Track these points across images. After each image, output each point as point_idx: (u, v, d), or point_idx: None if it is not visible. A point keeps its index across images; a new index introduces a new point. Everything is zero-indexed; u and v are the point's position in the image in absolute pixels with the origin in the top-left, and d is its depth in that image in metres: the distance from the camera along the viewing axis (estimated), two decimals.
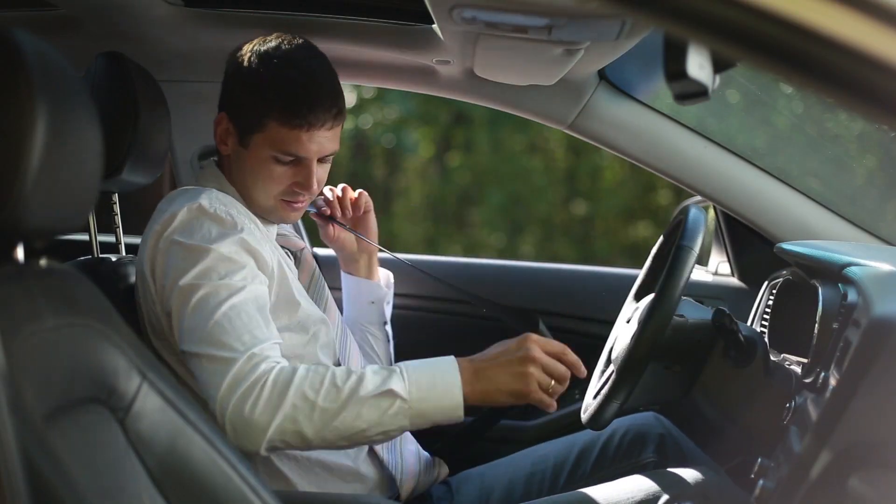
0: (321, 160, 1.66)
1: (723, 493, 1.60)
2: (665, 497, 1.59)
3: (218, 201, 1.59)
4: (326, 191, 1.88)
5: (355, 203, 1.88)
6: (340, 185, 1.90)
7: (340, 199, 1.88)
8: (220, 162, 1.73)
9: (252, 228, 1.61)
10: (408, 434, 1.78)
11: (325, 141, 1.64)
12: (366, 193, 1.91)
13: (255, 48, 1.65)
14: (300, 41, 1.67)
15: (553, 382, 1.52)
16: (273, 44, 1.65)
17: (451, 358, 1.53)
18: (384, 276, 1.97)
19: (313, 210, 1.87)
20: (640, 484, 1.63)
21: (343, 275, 1.94)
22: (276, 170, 1.63)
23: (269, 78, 1.62)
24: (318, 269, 1.80)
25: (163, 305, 1.56)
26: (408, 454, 1.76)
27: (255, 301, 1.52)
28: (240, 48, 1.68)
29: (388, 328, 1.95)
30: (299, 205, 1.69)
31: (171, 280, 1.53)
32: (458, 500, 1.81)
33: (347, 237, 1.89)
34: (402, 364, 1.51)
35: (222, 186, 1.68)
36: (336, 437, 1.46)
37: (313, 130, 1.61)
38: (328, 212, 1.87)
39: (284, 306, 1.62)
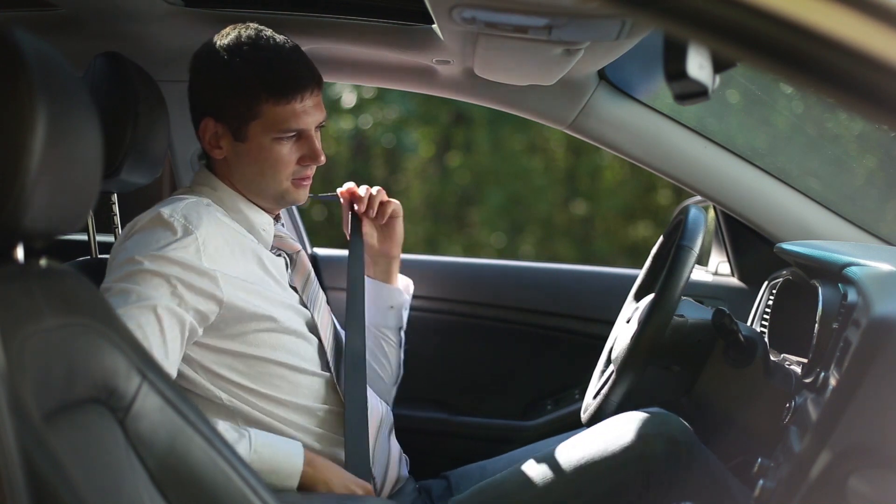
0: (316, 130, 1.70)
1: (725, 489, 1.61)
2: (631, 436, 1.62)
3: (181, 211, 1.58)
4: (362, 189, 1.90)
5: (383, 207, 1.89)
6: (376, 187, 1.91)
7: (371, 197, 1.90)
8: (210, 166, 1.73)
9: (214, 238, 1.59)
10: (393, 434, 1.81)
11: (315, 109, 1.68)
12: (397, 202, 1.92)
13: (216, 47, 1.67)
14: (251, 25, 1.69)
15: None
16: (231, 36, 1.67)
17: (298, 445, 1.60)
18: (403, 283, 1.97)
19: (335, 198, 1.90)
20: (612, 430, 1.65)
21: (366, 279, 1.93)
22: (282, 151, 1.66)
23: (247, 66, 1.64)
24: (312, 272, 1.79)
25: None
26: (394, 453, 1.77)
27: (158, 321, 1.51)
28: (198, 55, 1.69)
29: (402, 334, 1.96)
30: (308, 181, 1.72)
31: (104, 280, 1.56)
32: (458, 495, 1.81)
33: (369, 235, 1.91)
34: (253, 433, 1.56)
35: (215, 188, 1.69)
36: None
37: (305, 100, 1.66)
38: (359, 208, 1.88)
39: (255, 318, 1.61)
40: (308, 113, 1.66)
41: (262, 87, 1.63)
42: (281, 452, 1.57)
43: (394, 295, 1.93)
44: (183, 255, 1.54)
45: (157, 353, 1.50)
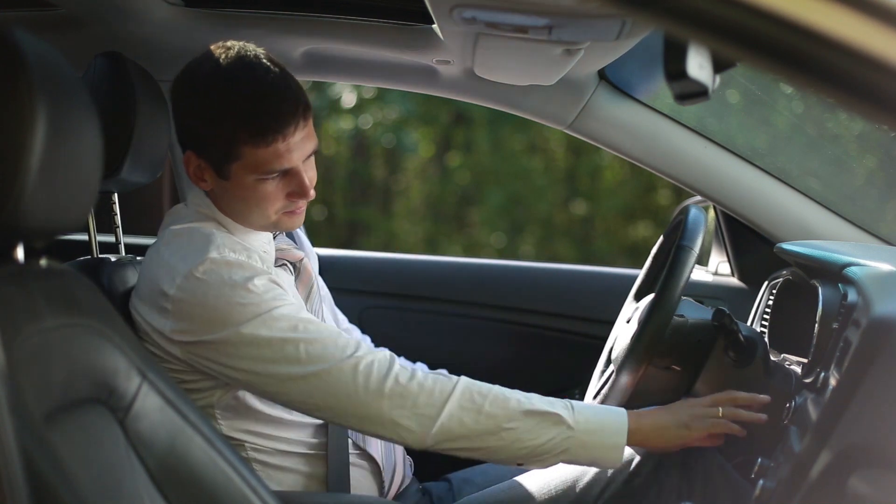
0: (306, 160, 1.58)
1: (728, 484, 1.61)
2: (637, 458, 1.62)
3: (217, 243, 1.52)
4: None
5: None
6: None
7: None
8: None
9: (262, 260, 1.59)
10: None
11: (302, 143, 1.54)
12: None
13: (194, 77, 1.56)
14: (234, 49, 1.55)
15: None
16: (210, 64, 1.54)
17: (622, 409, 1.57)
18: None
19: None
20: None
21: None
22: (266, 189, 1.54)
23: (224, 105, 1.51)
24: (315, 283, 1.75)
25: (196, 354, 1.50)
26: (399, 453, 1.77)
27: (311, 315, 1.52)
28: (178, 80, 1.59)
29: None
30: (300, 210, 1.61)
31: (225, 330, 1.46)
32: (460, 499, 1.81)
33: None
34: (566, 400, 1.55)
35: (212, 214, 1.62)
36: (497, 446, 1.50)
37: (289, 138, 1.51)
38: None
39: None
40: (293, 149, 1.52)
41: (240, 129, 1.50)
42: (605, 422, 1.55)
43: None
44: (263, 273, 1.52)
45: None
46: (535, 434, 1.50)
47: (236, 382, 1.52)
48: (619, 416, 1.55)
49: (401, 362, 1.52)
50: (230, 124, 1.51)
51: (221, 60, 1.54)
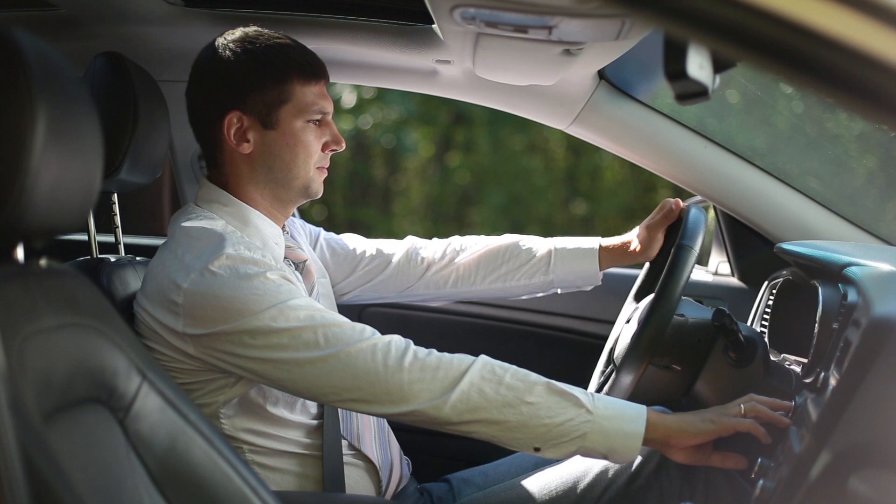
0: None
1: (729, 487, 1.61)
2: (639, 460, 1.61)
3: (231, 241, 1.53)
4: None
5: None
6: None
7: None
8: (214, 178, 1.68)
9: (273, 255, 1.60)
10: (391, 434, 1.80)
11: (326, 97, 1.68)
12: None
13: (226, 43, 1.63)
14: (251, 26, 1.68)
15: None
16: (237, 33, 1.64)
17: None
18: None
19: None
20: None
21: (602, 247, 1.95)
22: (310, 136, 1.64)
23: (271, 50, 1.61)
24: (317, 285, 1.77)
25: (212, 346, 1.50)
26: (395, 452, 1.77)
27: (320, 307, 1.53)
28: (209, 53, 1.64)
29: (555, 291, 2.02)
30: (326, 170, 1.70)
31: (241, 320, 1.47)
32: (461, 500, 1.81)
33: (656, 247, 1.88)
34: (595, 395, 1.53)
35: (225, 203, 1.65)
36: (516, 421, 1.47)
37: (322, 83, 1.66)
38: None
39: None
40: (327, 97, 1.66)
41: (292, 66, 1.61)
42: (625, 411, 1.51)
43: (590, 279, 1.96)
44: (276, 269, 1.53)
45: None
46: (555, 412, 1.47)
47: (251, 373, 1.50)
48: (637, 407, 1.52)
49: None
50: (282, 66, 1.61)
51: (244, 30, 1.65)
